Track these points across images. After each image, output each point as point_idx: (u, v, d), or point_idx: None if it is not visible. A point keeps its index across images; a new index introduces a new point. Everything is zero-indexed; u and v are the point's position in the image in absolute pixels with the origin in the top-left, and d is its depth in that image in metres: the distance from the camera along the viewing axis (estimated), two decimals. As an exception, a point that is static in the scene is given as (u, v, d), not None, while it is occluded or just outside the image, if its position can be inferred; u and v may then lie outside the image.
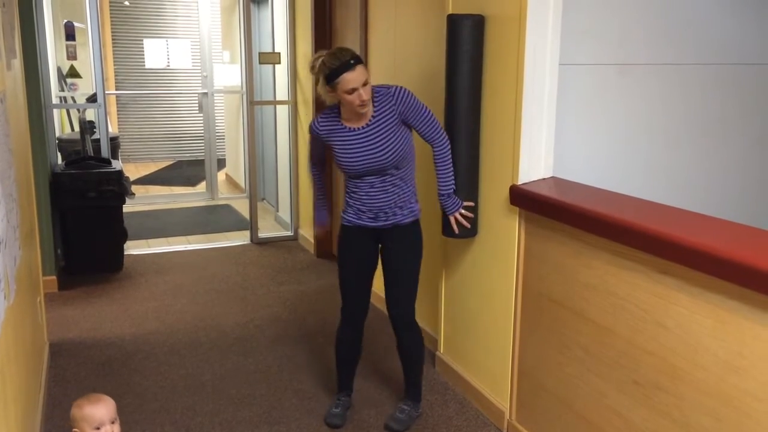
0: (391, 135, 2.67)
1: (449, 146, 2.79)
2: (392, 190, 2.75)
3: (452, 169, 2.82)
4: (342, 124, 2.73)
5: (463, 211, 2.89)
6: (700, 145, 3.29)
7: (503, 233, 2.85)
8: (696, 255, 1.90)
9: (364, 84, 2.58)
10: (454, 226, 2.89)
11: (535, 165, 2.75)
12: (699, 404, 1.97)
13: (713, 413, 1.93)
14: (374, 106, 2.68)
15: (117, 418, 2.10)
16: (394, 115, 2.67)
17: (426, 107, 2.73)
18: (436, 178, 2.84)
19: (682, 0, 3.13)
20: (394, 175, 2.73)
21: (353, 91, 2.56)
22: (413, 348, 2.96)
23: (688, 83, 3.20)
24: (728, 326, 1.86)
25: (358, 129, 2.70)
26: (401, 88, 2.70)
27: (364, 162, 2.70)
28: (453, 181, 2.84)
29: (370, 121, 2.68)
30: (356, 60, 2.58)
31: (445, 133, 2.79)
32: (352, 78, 2.55)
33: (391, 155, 2.68)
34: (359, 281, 2.91)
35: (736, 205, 3.33)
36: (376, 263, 2.90)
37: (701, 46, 3.19)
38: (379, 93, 2.69)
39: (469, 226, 2.92)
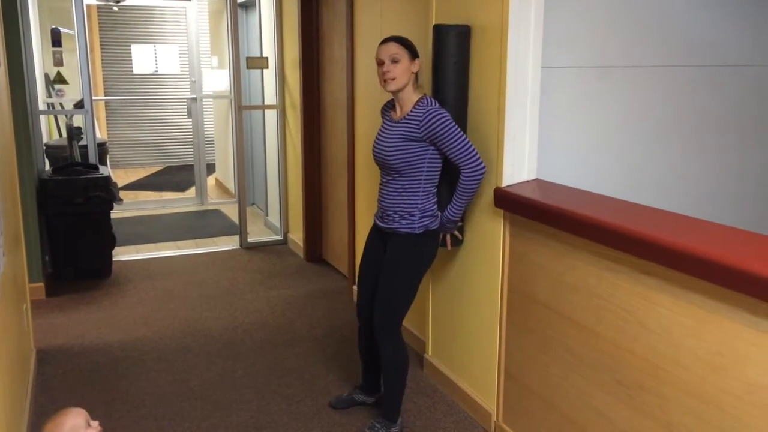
0: (404, 141, 2.67)
1: (476, 178, 2.64)
2: (394, 194, 2.76)
3: (467, 200, 2.72)
4: (389, 112, 2.83)
5: (456, 233, 2.91)
6: (682, 147, 3.32)
7: (488, 236, 2.86)
8: (677, 256, 1.92)
9: (394, 60, 2.65)
10: (446, 239, 2.92)
11: (518, 167, 2.76)
12: (681, 403, 1.98)
13: (695, 412, 1.94)
14: (412, 111, 2.69)
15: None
16: (418, 129, 2.65)
17: (456, 136, 2.62)
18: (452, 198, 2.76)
19: (662, 4, 3.16)
20: (396, 180, 2.74)
21: (381, 63, 2.68)
22: (385, 364, 2.86)
23: (670, 85, 3.23)
24: (709, 326, 1.88)
25: (392, 121, 2.76)
26: (435, 113, 2.63)
27: (377, 152, 2.78)
28: (461, 212, 2.77)
29: (401, 119, 2.71)
30: (394, 38, 2.69)
31: (476, 163, 2.63)
32: (380, 49, 2.69)
33: (393, 157, 2.69)
34: (365, 277, 2.94)
35: (717, 206, 3.35)
36: (381, 264, 2.85)
37: (682, 48, 3.22)
38: (421, 105, 2.68)
39: (449, 248, 2.94)
